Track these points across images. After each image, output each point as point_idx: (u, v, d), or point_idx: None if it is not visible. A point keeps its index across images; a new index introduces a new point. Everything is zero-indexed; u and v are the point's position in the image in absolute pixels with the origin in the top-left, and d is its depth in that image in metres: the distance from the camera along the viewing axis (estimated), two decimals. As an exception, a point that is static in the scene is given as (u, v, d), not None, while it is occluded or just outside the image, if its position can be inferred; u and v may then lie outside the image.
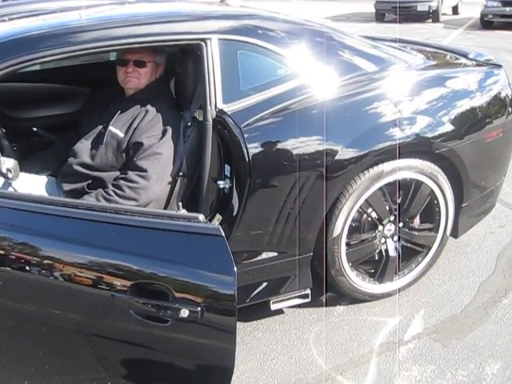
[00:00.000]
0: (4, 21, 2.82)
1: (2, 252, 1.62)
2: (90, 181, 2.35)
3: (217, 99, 2.24)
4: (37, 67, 3.19)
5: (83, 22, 2.21)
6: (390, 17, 14.18)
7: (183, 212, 1.71)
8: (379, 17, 14.09)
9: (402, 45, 3.32)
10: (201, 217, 1.48)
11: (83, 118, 2.60)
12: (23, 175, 2.46)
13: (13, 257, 1.63)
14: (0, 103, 2.97)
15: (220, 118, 2.24)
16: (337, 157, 2.31)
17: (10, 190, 2.40)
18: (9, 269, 1.65)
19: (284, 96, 2.33)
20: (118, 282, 1.49)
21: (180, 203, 1.93)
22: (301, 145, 2.29)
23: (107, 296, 1.51)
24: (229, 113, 2.24)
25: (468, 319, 2.58)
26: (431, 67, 2.87)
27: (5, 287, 1.66)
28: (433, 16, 14.26)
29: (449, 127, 2.55)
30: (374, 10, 14.17)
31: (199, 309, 1.37)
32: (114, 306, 1.51)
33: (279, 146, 2.26)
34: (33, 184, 2.46)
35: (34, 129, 2.75)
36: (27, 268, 1.63)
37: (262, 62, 2.35)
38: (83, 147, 2.40)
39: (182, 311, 1.37)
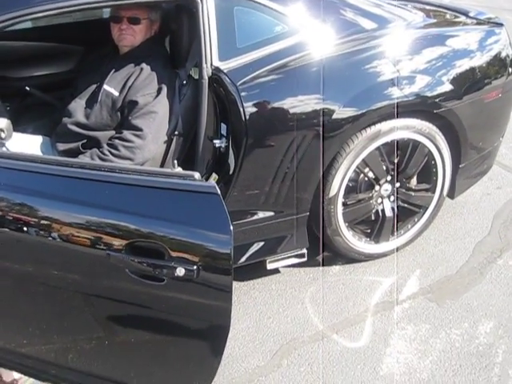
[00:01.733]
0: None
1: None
2: (85, 140, 2.32)
3: (212, 57, 2.20)
4: (28, 25, 3.14)
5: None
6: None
7: (178, 170, 1.69)
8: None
9: (402, 2, 3.24)
10: (196, 175, 1.46)
11: (77, 77, 2.55)
12: (17, 135, 2.43)
13: (9, 217, 1.61)
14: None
15: (216, 76, 2.20)
16: (334, 116, 2.29)
17: (4, 150, 2.38)
18: (6, 229, 1.64)
19: (281, 53, 2.29)
20: (114, 241, 1.48)
21: (175, 161, 1.90)
22: (298, 103, 2.26)
23: (103, 255, 1.50)
24: (225, 70, 2.20)
25: (463, 279, 2.60)
26: (431, 25, 2.82)
27: (2, 248, 1.66)
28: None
29: (448, 87, 2.51)
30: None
31: (195, 267, 1.37)
32: (110, 265, 1.51)
33: (276, 104, 2.23)
34: (27, 144, 2.43)
35: (27, 88, 2.70)
36: (24, 228, 1.61)
37: (258, 19, 2.29)
38: (77, 106, 2.36)
39: (177, 270, 1.37)
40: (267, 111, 2.23)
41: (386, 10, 2.78)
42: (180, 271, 1.36)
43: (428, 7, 3.28)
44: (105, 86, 2.31)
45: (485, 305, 2.43)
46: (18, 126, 2.52)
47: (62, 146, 2.35)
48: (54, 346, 1.82)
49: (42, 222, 1.60)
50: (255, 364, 2.17)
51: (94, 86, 2.36)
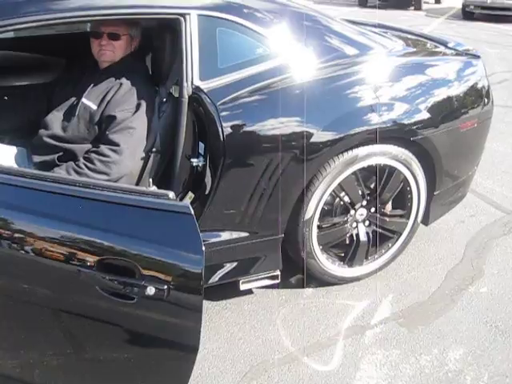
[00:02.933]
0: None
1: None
2: (61, 153, 2.30)
3: (193, 76, 2.21)
4: (11, 34, 3.12)
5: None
6: (373, 2, 14.12)
7: (153, 188, 1.68)
8: (362, 2, 14.05)
9: (382, 30, 3.31)
10: (171, 194, 1.46)
11: (55, 89, 2.53)
12: (-7, 145, 2.42)
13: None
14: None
15: (196, 95, 2.21)
16: (312, 139, 2.30)
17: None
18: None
19: (262, 75, 2.31)
20: (85, 258, 1.47)
21: (151, 180, 1.89)
22: (277, 125, 2.28)
23: (74, 271, 1.49)
24: (205, 90, 2.21)
25: (434, 306, 2.61)
26: (410, 54, 2.87)
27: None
28: (415, 4, 14.29)
29: (425, 115, 2.55)
30: (358, -5, 14.16)
31: (166, 287, 1.36)
32: (80, 281, 1.49)
33: (254, 125, 2.25)
34: (2, 154, 2.40)
35: (5, 98, 2.68)
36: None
37: (241, 40, 2.31)
38: (55, 119, 2.35)
39: (148, 289, 1.36)
40: (246, 132, 2.24)
41: (367, 37, 2.83)
42: (150, 290, 1.35)
43: (409, 36, 3.36)
44: (83, 100, 2.31)
45: (455, 331, 2.44)
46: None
47: (37, 158, 2.33)
48: (20, 362, 1.78)
49: (14, 234, 1.58)
50: (224, 385, 2.15)
51: (73, 99, 2.35)
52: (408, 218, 2.73)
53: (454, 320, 2.52)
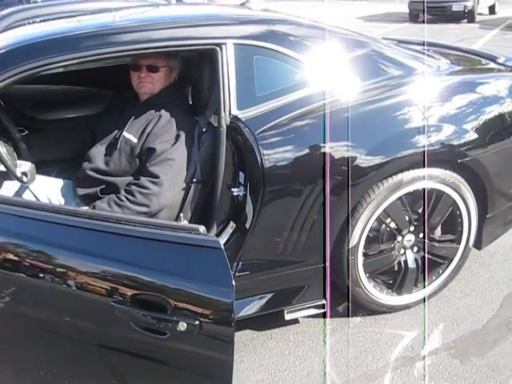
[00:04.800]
0: (34, 22, 2.87)
1: (17, 258, 1.61)
2: (104, 186, 2.34)
3: (231, 105, 2.21)
4: (59, 69, 3.23)
5: (96, 27, 2.21)
6: (424, 17, 13.92)
7: (184, 223, 1.68)
8: (413, 17, 13.85)
9: (428, 48, 3.22)
10: (201, 228, 1.46)
11: (100, 121, 2.59)
12: (40, 177, 2.48)
13: (26, 263, 1.62)
14: (22, 104, 3.00)
15: (234, 125, 2.21)
16: (354, 165, 2.25)
17: (27, 192, 2.42)
18: (22, 275, 1.65)
19: (301, 102, 2.28)
20: (119, 293, 1.48)
21: (182, 214, 1.89)
22: (317, 152, 2.25)
23: (108, 306, 1.50)
24: (243, 119, 2.20)
25: (489, 335, 2.48)
26: (457, 72, 2.78)
27: (18, 293, 1.67)
28: (468, 16, 13.95)
29: (473, 135, 2.47)
30: (408, 11, 13.94)
31: (197, 322, 1.36)
32: (115, 316, 1.49)
33: (294, 153, 2.22)
34: (49, 187, 2.47)
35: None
36: (39, 275, 1.62)
37: (278, 68, 2.30)
38: (97, 152, 2.39)
39: (180, 324, 1.36)
40: (286, 160, 2.21)
41: (411, 57, 2.76)
42: (182, 326, 1.35)
43: (456, 52, 3.26)
44: (124, 133, 2.34)
45: (512, 364, 2.31)
46: (43, 168, 2.57)
47: (81, 191, 2.38)
48: None
49: (56, 269, 1.60)
50: (268, 420, 2.10)
51: (115, 133, 2.40)
52: (459, 243, 2.62)
53: (510, 351, 2.38)
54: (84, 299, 1.55)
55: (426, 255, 2.58)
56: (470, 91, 2.59)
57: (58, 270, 1.58)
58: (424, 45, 3.24)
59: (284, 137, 2.22)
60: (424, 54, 2.95)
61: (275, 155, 2.19)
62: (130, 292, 1.42)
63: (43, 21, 2.94)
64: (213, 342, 1.43)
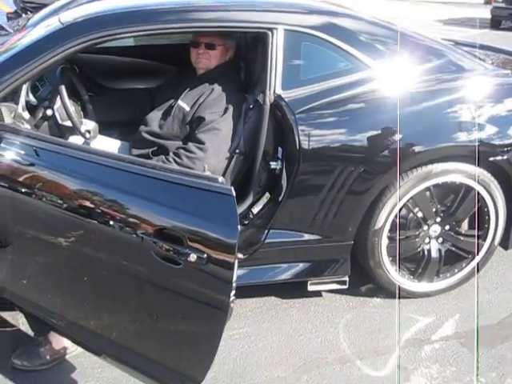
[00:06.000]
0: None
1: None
2: (155, 148, 2.59)
3: (276, 85, 2.40)
4: (131, 42, 3.53)
5: (165, 3, 2.45)
6: (507, 24, 13.51)
7: (207, 173, 1.92)
8: (495, 23, 13.45)
9: (482, 51, 3.28)
10: (220, 178, 1.67)
11: (160, 92, 2.84)
12: (101, 137, 2.76)
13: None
14: (94, 72, 3.30)
15: (277, 103, 2.39)
16: (384, 151, 2.39)
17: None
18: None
19: (341, 88, 2.44)
20: (146, 226, 1.70)
21: (206, 165, 2.12)
22: (351, 135, 2.40)
23: (138, 238, 1.71)
24: (286, 99, 2.38)
25: (502, 331, 2.57)
26: (503, 74, 2.84)
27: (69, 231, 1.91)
28: (554, 27, 13.43)
29: (507, 136, 2.54)
30: (490, 16, 13.58)
31: (205, 255, 1.58)
32: (142, 247, 1.71)
33: (329, 134, 2.39)
34: (108, 146, 2.74)
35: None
36: (86, 213, 1.85)
37: (324, 54, 2.46)
38: (154, 117, 2.64)
39: (191, 256, 1.59)
40: (320, 140, 2.38)
41: (463, 56, 2.83)
42: (193, 257, 1.58)
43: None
44: (179, 102, 2.58)
45: (519, 359, 2.39)
46: (106, 129, 2.85)
47: (135, 151, 2.64)
48: (102, 323, 2.01)
49: (104, 210, 1.83)
50: (277, 374, 2.29)
51: (171, 101, 2.63)
52: (484, 240, 2.71)
53: (521, 348, 2.46)
54: (119, 235, 1.76)
55: (451, 247, 2.69)
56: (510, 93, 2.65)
57: (104, 208, 1.81)
58: (476, 47, 3.29)
59: (321, 119, 2.39)
60: (475, 56, 3.02)
61: (312, 135, 2.36)
62: (155, 226, 1.66)
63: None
64: (214, 279, 1.63)
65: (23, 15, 5.36)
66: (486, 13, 14.12)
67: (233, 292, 1.60)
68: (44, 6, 5.10)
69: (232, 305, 1.62)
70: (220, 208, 1.60)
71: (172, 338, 1.76)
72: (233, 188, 1.63)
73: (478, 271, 2.77)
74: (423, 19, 14.06)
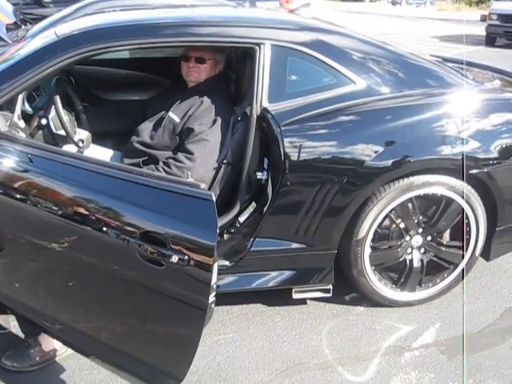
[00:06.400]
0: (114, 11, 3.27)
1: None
2: (146, 157, 2.67)
3: (263, 98, 2.49)
4: (126, 55, 3.63)
5: (157, 18, 2.55)
6: (502, 41, 13.70)
7: (190, 180, 2.01)
8: (489, 40, 13.63)
9: (468, 67, 3.38)
10: (202, 185, 1.75)
11: (151, 103, 2.93)
12: (94, 147, 2.85)
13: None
14: (90, 83, 3.39)
15: (263, 115, 2.48)
16: (367, 163, 2.47)
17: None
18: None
19: (325, 102, 2.53)
20: (132, 229, 1.78)
21: (189, 173, 2.21)
22: (334, 147, 2.49)
23: (123, 240, 1.79)
24: (272, 112, 2.47)
25: (481, 339, 2.63)
26: (488, 91, 2.93)
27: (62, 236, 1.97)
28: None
29: (486, 149, 2.62)
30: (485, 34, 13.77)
31: (186, 257, 1.67)
32: (127, 250, 1.79)
33: (313, 146, 2.47)
34: (101, 155, 2.82)
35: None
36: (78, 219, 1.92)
37: (309, 69, 2.55)
38: (145, 128, 2.73)
39: (173, 257, 1.67)
40: (305, 152, 2.45)
41: (446, 72, 2.92)
42: (175, 258, 1.67)
43: (494, 74, 3.40)
44: (170, 113, 2.67)
45: (496, 367, 2.45)
46: (100, 139, 2.94)
47: (127, 161, 2.72)
48: (92, 325, 2.07)
49: (93, 215, 1.90)
50: (260, 378, 2.36)
51: (162, 113, 2.72)
52: (465, 251, 2.78)
53: (498, 356, 2.52)
54: (107, 238, 1.84)
55: (432, 257, 2.77)
56: (492, 109, 2.74)
57: (93, 213, 1.89)
58: (463, 63, 3.38)
59: (305, 131, 2.47)
60: (459, 72, 3.10)
61: (296, 147, 2.44)
62: (140, 229, 1.74)
63: (115, 11, 3.34)
64: (194, 280, 1.71)
65: (23, 26, 5.45)
66: (482, 30, 14.30)
67: (213, 294, 1.67)
68: (43, 17, 5.24)
69: (212, 306, 1.69)
70: (201, 212, 1.69)
71: (155, 338, 1.83)
72: (213, 193, 1.71)
73: (463, 277, 2.84)
74: (420, 35, 14.26)
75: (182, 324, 1.76)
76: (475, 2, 31.77)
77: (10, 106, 2.47)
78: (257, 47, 2.47)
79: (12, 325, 2.57)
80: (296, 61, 2.52)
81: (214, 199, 1.69)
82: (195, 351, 1.72)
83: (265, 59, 2.47)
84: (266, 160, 2.56)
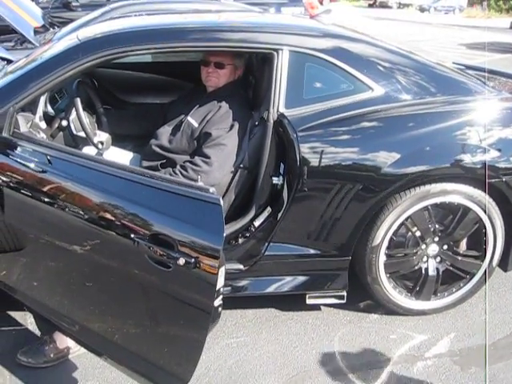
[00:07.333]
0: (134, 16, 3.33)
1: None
2: (164, 161, 2.71)
3: (280, 103, 2.50)
4: (149, 59, 3.68)
5: (176, 23, 2.58)
6: (532, 49, 13.48)
7: (200, 184, 2.03)
8: (519, 48, 13.46)
9: (490, 75, 3.34)
10: (211, 189, 1.77)
11: (171, 107, 2.96)
12: (113, 149, 2.90)
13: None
14: (112, 86, 3.45)
15: (280, 121, 2.50)
16: (383, 170, 2.46)
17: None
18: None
19: (342, 108, 2.53)
20: (142, 231, 1.81)
21: (199, 177, 2.24)
22: (351, 154, 2.49)
23: (134, 242, 1.82)
24: (288, 117, 2.48)
25: (496, 352, 2.60)
26: (505, 100, 2.90)
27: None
28: None
29: (506, 159, 2.59)
30: (515, 41, 13.60)
31: (193, 260, 1.68)
32: (137, 252, 1.81)
33: (329, 153, 2.47)
34: (120, 157, 2.87)
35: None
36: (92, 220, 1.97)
37: (327, 75, 2.55)
38: (164, 132, 2.76)
39: (180, 260, 1.69)
40: (320, 158, 2.46)
41: (467, 79, 2.90)
42: (181, 261, 1.69)
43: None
44: (188, 118, 2.70)
45: (511, 380, 2.42)
46: (121, 142, 2.99)
47: (145, 163, 2.76)
48: (107, 325, 2.12)
49: (107, 217, 1.94)
50: (270, 383, 2.36)
51: (181, 117, 2.75)
52: (482, 261, 2.75)
53: (512, 369, 2.49)
54: (119, 240, 1.87)
55: (449, 267, 2.74)
56: (510, 117, 2.71)
57: (107, 215, 1.92)
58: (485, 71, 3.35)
59: (322, 137, 2.48)
60: (481, 80, 3.08)
61: (312, 152, 2.45)
62: (149, 231, 1.77)
63: (141, 15, 3.40)
64: (200, 282, 1.73)
65: (51, 29, 5.58)
66: (510, 37, 14.10)
67: (220, 297, 1.69)
68: (71, 20, 5.35)
69: (219, 309, 1.71)
70: (208, 216, 1.71)
71: (162, 339, 1.85)
72: (221, 198, 1.73)
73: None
74: (447, 42, 14.13)
75: (187, 326, 1.78)
76: (505, 9, 31.30)
77: (32, 107, 2.53)
78: (275, 53, 2.49)
79: (29, 321, 2.62)
80: (314, 67, 2.54)
81: (222, 203, 1.71)
82: (200, 354, 1.74)
83: (283, 65, 2.49)
84: (282, 165, 2.57)
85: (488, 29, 19.38)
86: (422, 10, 36.71)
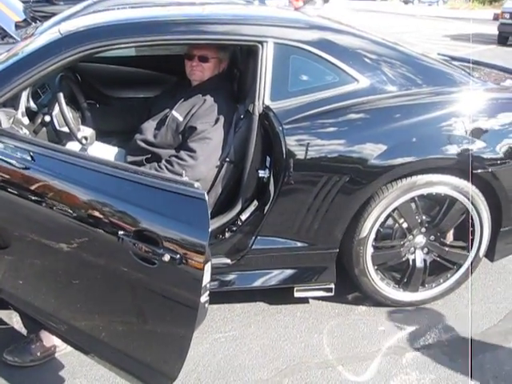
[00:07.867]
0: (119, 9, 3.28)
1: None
2: (149, 155, 2.68)
3: (265, 96, 2.48)
4: (133, 53, 3.64)
5: (160, 16, 2.55)
6: (516, 41, 13.58)
7: (185, 179, 2.01)
8: (502, 40, 13.51)
9: (475, 66, 3.35)
10: (196, 184, 1.74)
11: (156, 102, 2.93)
12: (98, 144, 2.86)
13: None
14: (95, 80, 3.40)
15: (265, 113, 2.48)
16: (369, 162, 2.46)
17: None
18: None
19: (328, 100, 2.52)
20: (126, 227, 1.78)
21: (184, 172, 2.21)
22: (337, 146, 2.48)
23: (118, 238, 1.79)
24: (274, 110, 2.46)
25: (484, 341, 2.61)
26: (492, 90, 2.91)
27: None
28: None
29: (491, 149, 2.60)
30: (497, 33, 13.64)
31: (178, 256, 1.66)
32: (122, 248, 1.78)
33: (315, 145, 2.46)
34: (105, 153, 2.83)
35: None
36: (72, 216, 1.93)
37: (312, 67, 2.54)
38: (149, 126, 2.73)
39: (165, 256, 1.66)
40: (306, 150, 2.45)
41: (451, 70, 2.90)
42: (166, 257, 1.66)
43: (501, 73, 3.37)
44: (173, 112, 2.67)
45: (498, 369, 2.43)
46: (105, 137, 2.95)
47: (130, 158, 2.73)
48: (93, 323, 2.08)
49: (91, 214, 1.91)
50: (260, 377, 2.35)
51: (166, 111, 2.72)
52: (469, 251, 2.76)
53: (500, 358, 2.50)
54: (103, 237, 1.84)
55: (436, 258, 2.75)
56: (497, 108, 2.72)
57: (91, 212, 1.89)
58: (470, 62, 3.35)
59: (308, 130, 2.47)
60: (465, 71, 3.08)
61: (298, 145, 2.44)
62: (134, 227, 1.74)
63: (124, 8, 3.35)
64: (186, 278, 1.71)
65: (32, 24, 5.49)
66: (494, 29, 14.18)
67: (206, 293, 1.67)
68: (53, 14, 5.26)
69: (206, 306, 1.69)
70: (193, 211, 1.68)
71: (149, 336, 1.83)
72: (206, 193, 1.71)
73: (471, 272, 2.83)
74: (431, 34, 14.18)
75: (174, 323, 1.76)
76: (488, 1, 31.48)
77: (13, 102, 2.48)
78: (260, 45, 2.46)
79: (14, 320, 2.59)
80: (299, 59, 2.52)
81: (207, 198, 1.69)
82: (187, 350, 1.72)
83: (267, 57, 2.47)
84: (268, 158, 2.55)
85: (472, 20, 19.47)
86: (405, 2, 36.86)
